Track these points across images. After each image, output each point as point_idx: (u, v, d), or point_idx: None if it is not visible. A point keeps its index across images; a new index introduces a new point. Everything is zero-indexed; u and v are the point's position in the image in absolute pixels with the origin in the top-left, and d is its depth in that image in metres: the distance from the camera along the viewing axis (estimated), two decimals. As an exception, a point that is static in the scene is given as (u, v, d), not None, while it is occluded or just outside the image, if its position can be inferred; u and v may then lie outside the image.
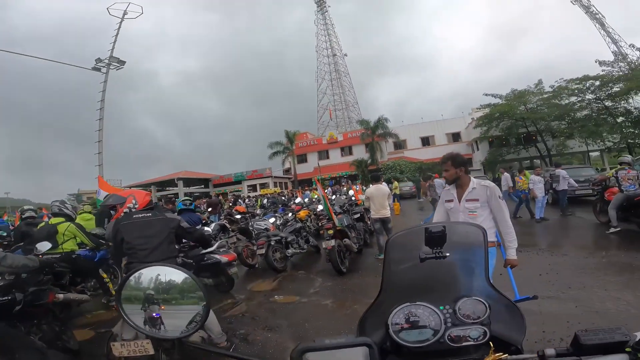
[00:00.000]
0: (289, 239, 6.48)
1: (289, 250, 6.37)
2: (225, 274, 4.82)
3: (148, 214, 2.90)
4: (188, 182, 39.73)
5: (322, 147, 41.10)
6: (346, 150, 39.82)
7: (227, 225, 7.71)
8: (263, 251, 5.85)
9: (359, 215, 7.83)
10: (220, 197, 18.63)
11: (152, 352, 2.01)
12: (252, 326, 3.88)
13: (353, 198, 10.06)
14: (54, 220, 4.70)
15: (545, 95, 25.11)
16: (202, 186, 41.34)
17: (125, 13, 13.85)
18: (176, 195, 31.56)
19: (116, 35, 13.55)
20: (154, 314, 1.01)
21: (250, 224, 7.47)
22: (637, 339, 0.65)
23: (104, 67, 13.09)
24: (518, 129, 26.52)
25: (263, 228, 6.94)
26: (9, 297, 2.50)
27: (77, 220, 6.09)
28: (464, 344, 0.84)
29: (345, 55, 60.80)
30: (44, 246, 3.82)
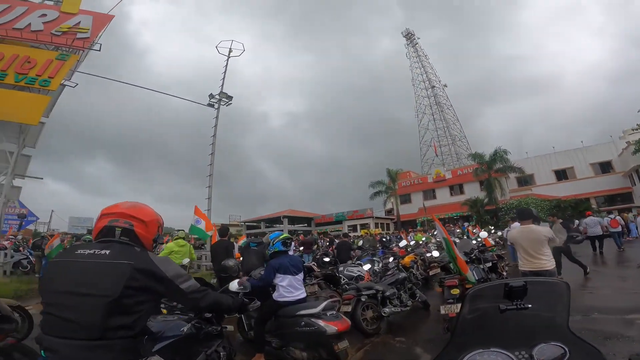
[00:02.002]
0: (387, 294, 5.00)
1: (386, 309, 4.88)
2: (329, 349, 3.36)
3: (103, 251, 1.46)
4: (293, 220, 41.45)
5: (427, 186, 38.05)
6: (456, 188, 35.87)
7: (315, 268, 6.63)
8: (349, 308, 4.55)
9: (490, 264, 5.95)
10: (318, 236, 17.99)
11: None
12: None
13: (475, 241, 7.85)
14: None
15: None
16: (306, 225, 42.45)
17: (230, 50, 15.51)
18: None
19: (224, 71, 15.34)
20: None
21: (340, 269, 6.22)
22: None
23: (216, 103, 14.48)
24: None
25: (355, 276, 5.58)
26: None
27: (170, 245, 6.57)
28: None
29: (445, 86, 57.16)
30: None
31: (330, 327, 3.26)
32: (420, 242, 10.71)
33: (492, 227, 17.94)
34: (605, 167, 30.13)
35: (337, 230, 33.66)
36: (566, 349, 0.97)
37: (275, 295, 3.74)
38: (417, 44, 58.81)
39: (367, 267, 6.45)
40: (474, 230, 14.63)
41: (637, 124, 22.31)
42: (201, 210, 9.48)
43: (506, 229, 8.89)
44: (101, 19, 11.95)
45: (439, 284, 5.23)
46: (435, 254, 6.91)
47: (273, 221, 42.07)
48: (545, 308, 1.11)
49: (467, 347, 0.98)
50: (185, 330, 2.09)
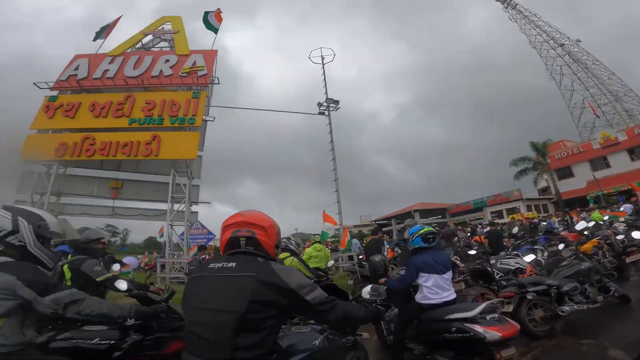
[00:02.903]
0: (565, 289, 3.91)
1: (565, 307, 3.81)
2: (488, 358, 2.78)
3: (230, 264, 1.41)
4: (424, 213, 39.34)
5: (594, 154, 30.01)
6: (638, 151, 27.03)
7: (459, 263, 5.71)
8: (510, 308, 3.79)
9: None
10: (455, 227, 16.25)
11: None
12: None
13: None
14: (281, 255, 4.85)
15: None
16: (439, 216, 39.58)
17: (322, 57, 15.85)
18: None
19: (324, 78, 15.79)
20: None
21: (492, 262, 5.20)
22: None
23: (325, 110, 14.89)
24: None
25: (512, 269, 4.56)
26: (111, 342, 2.06)
27: (309, 250, 6.84)
28: None
29: (579, 40, 44.48)
30: None
31: (492, 333, 2.68)
32: (601, 223, 8.24)
33: None
34: None
35: (477, 219, 30.01)
36: None
37: (418, 297, 3.31)
38: (516, 4, 48.54)
39: (529, 257, 5.25)
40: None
41: None
42: (329, 215, 9.68)
43: None
44: (209, 55, 13.67)
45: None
46: (637, 234, 5.01)
47: (404, 217, 40.85)
48: None
49: None
50: (317, 344, 1.93)
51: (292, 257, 4.74)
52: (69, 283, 3.00)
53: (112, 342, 2.09)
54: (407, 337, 3.36)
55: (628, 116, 38.35)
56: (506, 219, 26.37)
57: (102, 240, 3.44)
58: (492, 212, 32.06)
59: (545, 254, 5.98)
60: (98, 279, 2.92)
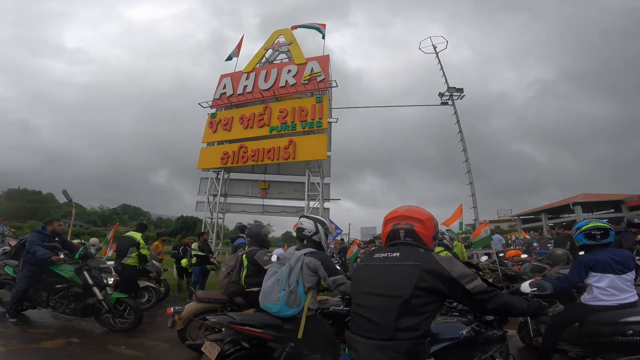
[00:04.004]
0: None
1: None
2: None
3: (394, 254, 1.60)
4: (589, 206, 31.99)
5: None
6: None
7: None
8: None
9: None
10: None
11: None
12: None
13: None
14: (437, 249, 5.42)
15: None
16: (612, 210, 31.46)
17: (434, 47, 14.59)
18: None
19: (441, 68, 14.57)
20: None
21: None
22: None
23: (449, 99, 13.89)
24: None
25: None
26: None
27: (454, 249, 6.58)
28: None
29: None
30: None
31: None
32: None
33: None
34: None
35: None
36: None
37: (585, 299, 3.01)
38: None
39: None
40: None
41: None
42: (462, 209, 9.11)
43: None
44: (323, 61, 14.39)
45: None
46: None
47: (558, 211, 34.25)
48: None
49: None
50: (464, 334, 1.98)
51: (446, 252, 5.04)
52: (245, 270, 3.65)
53: None
54: (562, 339, 3.09)
55: None
56: None
57: (269, 234, 4.20)
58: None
59: None
60: (265, 267, 3.38)
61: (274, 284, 2.39)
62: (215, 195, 14.50)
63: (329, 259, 2.62)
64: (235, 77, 15.82)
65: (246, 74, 15.55)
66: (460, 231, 8.32)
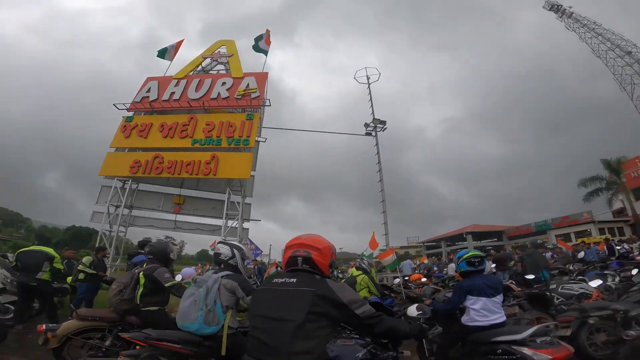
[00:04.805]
0: (632, 314, 3.72)
1: (631, 332, 3.60)
2: None
3: (291, 279, 1.68)
4: (478, 235, 37.04)
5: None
6: None
7: (513, 287, 5.42)
8: (569, 332, 3.65)
9: None
10: (513, 251, 15.12)
11: None
12: None
13: None
14: (355, 273, 5.83)
15: None
16: (495, 239, 36.93)
17: (368, 77, 16.06)
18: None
19: (370, 99, 15.89)
20: None
21: (553, 287, 4.94)
22: None
23: (372, 130, 15.05)
24: None
25: (576, 294, 4.33)
26: None
27: (353, 270, 6.80)
28: None
29: None
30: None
31: (541, 356, 2.66)
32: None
33: None
34: None
35: (542, 242, 27.52)
36: None
37: (464, 319, 3.31)
38: (572, 13, 44.62)
39: (595, 283, 4.89)
40: None
41: None
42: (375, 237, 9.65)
43: None
44: (261, 78, 14.32)
45: None
46: None
47: (454, 239, 38.86)
48: None
49: None
50: (360, 356, 2.07)
51: (364, 275, 5.52)
52: (141, 288, 3.44)
53: None
54: (449, 358, 3.38)
55: None
56: (575, 242, 23.86)
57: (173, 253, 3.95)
58: (557, 235, 29.21)
59: (617, 279, 5.45)
60: (166, 285, 3.32)
61: (192, 305, 2.50)
62: (118, 207, 12.88)
63: (246, 280, 2.75)
64: (163, 81, 14.83)
65: (176, 80, 14.70)
66: (374, 257, 8.78)
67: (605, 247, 10.20)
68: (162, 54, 16.18)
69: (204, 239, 14.46)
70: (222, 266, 2.84)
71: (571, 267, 8.39)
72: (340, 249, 58.21)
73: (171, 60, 16.01)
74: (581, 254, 9.24)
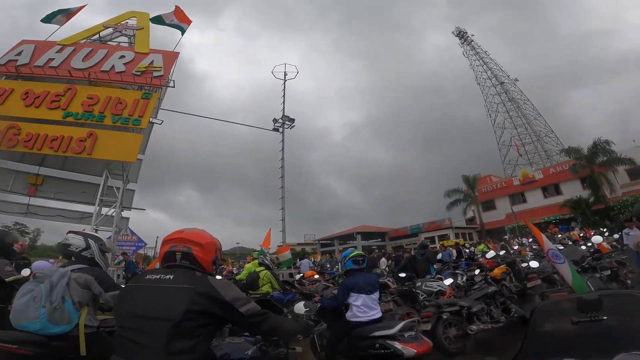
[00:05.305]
0: (473, 310, 4.48)
1: (473, 327, 4.37)
2: None
3: (167, 276, 1.54)
4: (366, 236, 40.71)
5: (514, 190, 34.08)
6: (550, 189, 31.41)
7: (390, 284, 6.16)
8: (429, 327, 4.19)
9: (609, 272, 5.20)
10: (392, 251, 17.17)
11: None
12: None
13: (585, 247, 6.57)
14: (258, 269, 5.83)
15: None
16: (380, 240, 41.29)
17: (285, 74, 16.27)
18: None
19: (283, 95, 16.05)
20: None
21: (418, 284, 5.70)
22: None
23: (280, 127, 15.16)
24: None
25: (435, 291, 5.06)
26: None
27: (249, 265, 7.08)
28: None
29: (516, 80, 50.91)
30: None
31: (409, 350, 2.96)
32: (512, 252, 9.44)
33: (606, 230, 15.03)
34: None
35: (413, 244, 32.02)
36: None
37: (348, 315, 3.56)
38: (472, 41, 54.80)
39: (448, 281, 5.86)
40: (581, 235, 12.28)
41: None
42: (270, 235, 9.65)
43: (623, 231, 7.34)
44: (169, 57, 13.15)
45: (540, 298, 4.82)
46: (534, 264, 5.93)
47: (346, 238, 41.87)
48: (622, 319, 1.12)
49: (539, 357, 1.03)
50: (249, 354, 2.02)
51: (266, 271, 5.53)
52: None
53: None
54: (338, 352, 3.55)
55: (546, 156, 44.10)
56: (437, 245, 28.51)
57: (17, 243, 3.40)
58: (426, 238, 34.46)
59: (465, 278, 6.67)
60: (7, 279, 2.96)
61: (29, 302, 2.21)
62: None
63: (105, 274, 2.53)
64: (42, 46, 12.27)
65: (60, 47, 12.30)
66: (271, 253, 8.78)
67: (454, 250, 12.42)
68: (50, 18, 13.56)
69: (68, 227, 12.13)
70: (73, 259, 2.54)
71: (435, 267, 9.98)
72: (237, 243, 56.72)
73: (60, 25, 13.44)
74: (439, 255, 11.08)
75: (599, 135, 24.94)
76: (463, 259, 10.21)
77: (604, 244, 6.91)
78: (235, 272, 14.87)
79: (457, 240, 23.85)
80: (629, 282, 5.49)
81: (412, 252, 10.17)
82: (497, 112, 50.19)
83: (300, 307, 2.68)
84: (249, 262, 10.00)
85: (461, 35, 55.74)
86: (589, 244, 7.32)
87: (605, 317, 1.03)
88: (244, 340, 2.21)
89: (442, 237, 32.53)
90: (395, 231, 40.23)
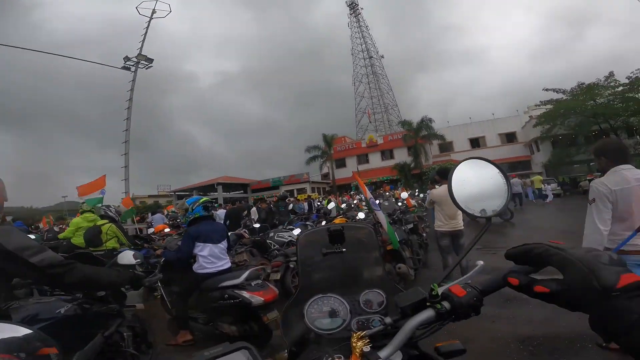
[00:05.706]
0: None
1: None
2: (258, 321, 3.12)
3: None
4: (228, 187, 40.05)
5: (361, 151, 39.49)
6: (387, 153, 37.83)
7: (245, 235, 6.42)
8: (278, 276, 4.47)
9: (412, 225, 6.14)
10: (253, 203, 17.64)
11: None
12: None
13: (401, 203, 8.30)
14: (100, 222, 5.14)
15: (620, 89, 21.48)
16: (242, 191, 41.47)
17: (153, 11, 13.58)
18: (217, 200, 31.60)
19: (145, 33, 13.63)
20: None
21: (271, 235, 6.14)
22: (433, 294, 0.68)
23: (133, 66, 12.79)
24: (590, 127, 22.85)
25: (286, 241, 5.58)
26: None
27: (77, 220, 5.93)
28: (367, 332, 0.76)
29: (382, 56, 59.37)
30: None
31: (256, 298, 3.02)
32: (352, 205, 11.16)
33: (417, 190, 19.45)
34: (510, 137, 34.55)
35: (273, 196, 33.61)
36: (384, 296, 1.02)
37: (195, 267, 3.41)
38: (359, 14, 58.55)
39: (297, 232, 6.43)
40: (401, 193, 15.57)
41: (539, 101, 25.69)
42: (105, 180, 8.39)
43: (427, 192, 9.67)
44: None
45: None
46: (361, 215, 7.13)
47: (206, 189, 40.12)
48: (358, 252, 1.15)
49: (312, 294, 1.02)
50: (62, 312, 1.79)
51: (110, 224, 5.05)
52: None
53: None
54: (190, 307, 3.43)
55: (389, 125, 52.80)
56: (296, 198, 30.89)
57: None
58: (286, 190, 36.72)
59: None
60: None
61: None
62: None
63: None
64: None
65: None
66: (100, 205, 7.38)
67: (306, 203, 13.90)
68: None
69: None
70: None
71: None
72: (63, 197, 47.05)
73: None
74: (290, 207, 12.21)
75: (426, 114, 31.53)
76: (314, 212, 11.56)
77: (412, 201, 8.98)
78: (57, 230, 12.32)
79: (310, 194, 26.48)
80: (424, 234, 6.81)
81: (271, 205, 10.75)
82: (361, 82, 56.54)
83: (127, 257, 2.40)
84: (78, 216, 8.45)
85: (352, 6, 58.04)
86: (402, 201, 9.41)
87: (344, 249, 1.10)
88: (56, 299, 1.94)
89: (301, 191, 35.37)
90: (258, 183, 41.11)
